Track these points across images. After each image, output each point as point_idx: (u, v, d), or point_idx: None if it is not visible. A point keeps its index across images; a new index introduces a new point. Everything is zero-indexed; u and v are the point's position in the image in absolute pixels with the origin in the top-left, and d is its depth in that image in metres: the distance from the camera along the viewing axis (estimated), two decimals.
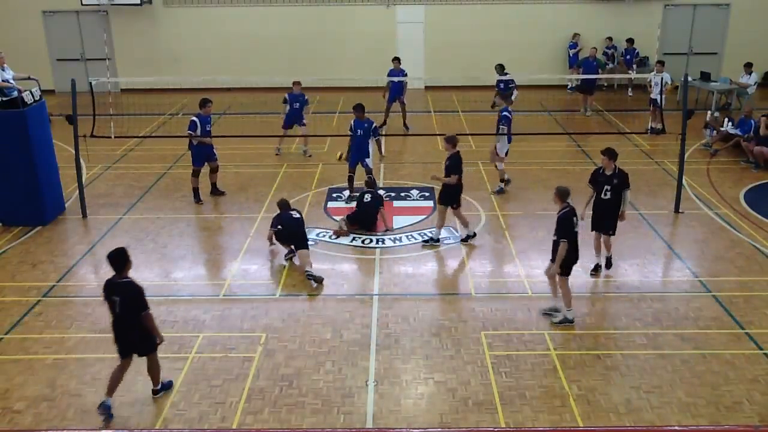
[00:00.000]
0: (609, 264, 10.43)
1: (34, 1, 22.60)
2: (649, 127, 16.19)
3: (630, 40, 22.30)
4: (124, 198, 13.63)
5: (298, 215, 11.01)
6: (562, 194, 8.87)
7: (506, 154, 13.89)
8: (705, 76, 20.10)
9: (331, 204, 13.26)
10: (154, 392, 7.71)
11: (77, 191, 12.90)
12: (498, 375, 8.00)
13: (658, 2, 22.81)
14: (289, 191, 13.84)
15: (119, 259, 7.38)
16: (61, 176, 12.97)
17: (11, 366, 8.28)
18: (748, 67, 19.19)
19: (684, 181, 12.98)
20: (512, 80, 18.12)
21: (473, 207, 12.96)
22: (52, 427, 7.17)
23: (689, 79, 14.30)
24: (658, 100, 16.21)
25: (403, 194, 13.69)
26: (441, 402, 7.60)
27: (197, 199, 13.29)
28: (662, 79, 15.84)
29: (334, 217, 12.44)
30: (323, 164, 15.46)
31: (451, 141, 11.09)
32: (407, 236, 11.75)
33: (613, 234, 10.17)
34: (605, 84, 22.95)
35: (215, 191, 13.62)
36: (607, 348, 8.53)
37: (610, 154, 10.05)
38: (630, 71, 21.50)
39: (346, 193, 13.46)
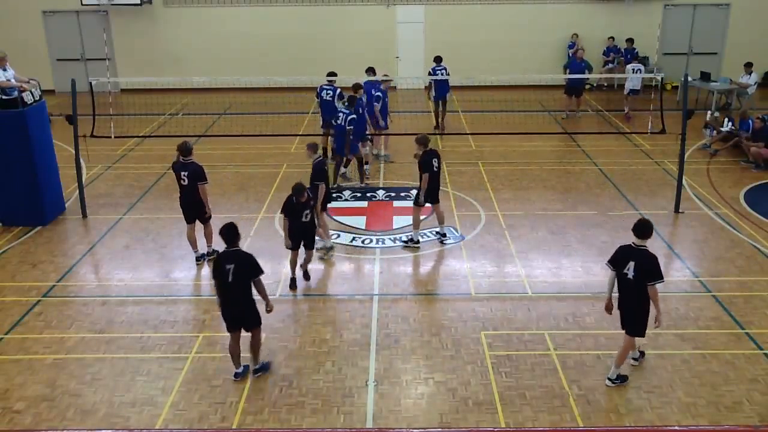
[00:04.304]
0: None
1: (34, 1, 22.59)
2: (626, 112, 19.12)
3: (630, 40, 22.29)
4: (124, 198, 13.64)
5: (186, 181, 10.50)
6: (313, 147, 10.77)
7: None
8: (705, 76, 20.09)
9: (330, 204, 13.22)
10: (254, 371, 7.95)
11: (77, 191, 12.90)
12: (498, 375, 8.00)
13: (658, 2, 22.80)
14: (289, 191, 13.81)
15: (231, 232, 7.69)
16: (61, 176, 12.97)
17: (11, 366, 8.28)
18: (748, 67, 19.19)
19: (684, 181, 12.98)
20: (448, 72, 17.70)
21: (473, 207, 12.97)
22: (52, 427, 7.17)
23: (689, 79, 14.32)
24: (638, 88, 19.10)
25: (403, 194, 13.69)
26: (441, 402, 7.60)
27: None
28: (641, 70, 18.47)
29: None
30: None
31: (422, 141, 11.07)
32: (407, 236, 11.74)
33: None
34: (592, 84, 22.90)
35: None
36: (607, 348, 8.52)
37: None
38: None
39: (345, 190, 13.51)
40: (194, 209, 10.74)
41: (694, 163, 15.15)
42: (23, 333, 8.97)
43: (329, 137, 15.16)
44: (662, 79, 13.56)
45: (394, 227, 12.14)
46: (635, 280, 7.42)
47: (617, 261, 7.61)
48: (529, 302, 9.61)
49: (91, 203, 13.07)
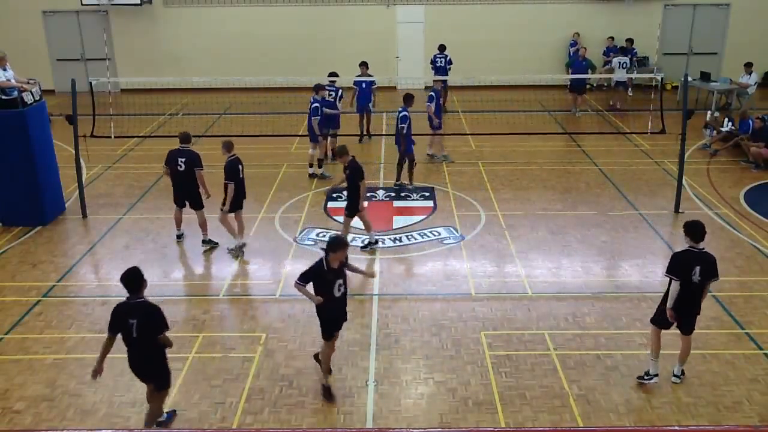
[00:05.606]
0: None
1: (34, 1, 22.60)
2: (612, 104, 20.12)
3: (630, 40, 22.29)
4: (124, 198, 13.64)
5: (183, 167, 10.81)
6: (227, 146, 10.73)
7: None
8: (705, 76, 20.09)
9: (331, 204, 13.26)
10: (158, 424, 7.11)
11: (77, 191, 12.90)
12: (498, 375, 8.00)
13: (658, 2, 22.80)
14: (289, 191, 13.86)
15: (134, 279, 6.64)
16: (61, 176, 12.97)
17: (11, 366, 8.28)
18: (748, 67, 19.20)
19: (684, 181, 12.98)
20: (450, 60, 19.73)
21: (473, 207, 12.97)
22: (52, 427, 7.16)
23: (689, 79, 14.32)
24: (624, 80, 20.25)
25: (403, 194, 13.69)
26: (441, 402, 7.60)
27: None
28: (626, 63, 19.49)
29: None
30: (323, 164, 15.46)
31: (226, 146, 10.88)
32: (407, 236, 11.75)
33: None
34: (594, 84, 22.95)
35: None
36: (607, 348, 8.53)
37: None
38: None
39: (345, 193, 13.50)
40: (186, 195, 11.18)
41: (694, 163, 15.15)
42: (23, 333, 8.97)
43: (328, 138, 15.18)
44: (662, 79, 13.56)
45: (393, 227, 12.14)
46: (700, 283, 7.53)
47: (682, 269, 7.50)
48: (529, 302, 9.61)
49: (91, 203, 13.07)
